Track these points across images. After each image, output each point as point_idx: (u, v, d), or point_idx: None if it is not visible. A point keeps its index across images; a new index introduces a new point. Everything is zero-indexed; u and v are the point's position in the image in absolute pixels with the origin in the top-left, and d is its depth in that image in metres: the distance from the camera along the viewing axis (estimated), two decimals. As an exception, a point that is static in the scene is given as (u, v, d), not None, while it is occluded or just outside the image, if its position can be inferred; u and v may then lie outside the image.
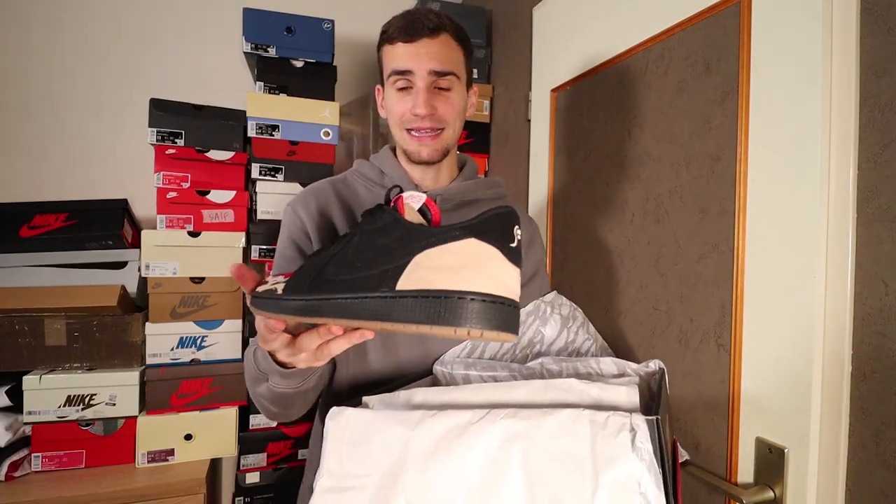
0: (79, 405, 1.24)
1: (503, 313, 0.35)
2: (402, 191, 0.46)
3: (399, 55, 0.71)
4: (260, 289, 0.48)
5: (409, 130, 0.74)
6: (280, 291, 0.45)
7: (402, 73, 0.71)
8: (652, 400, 0.58)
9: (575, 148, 1.16)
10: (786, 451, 0.66)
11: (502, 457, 0.49)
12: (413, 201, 0.44)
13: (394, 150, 0.82)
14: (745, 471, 0.72)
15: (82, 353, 1.26)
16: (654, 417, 0.49)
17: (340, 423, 0.53)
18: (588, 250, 1.10)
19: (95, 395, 1.24)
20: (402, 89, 0.73)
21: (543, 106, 1.27)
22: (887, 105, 0.60)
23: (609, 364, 0.63)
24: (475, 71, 1.61)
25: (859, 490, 0.61)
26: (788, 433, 0.66)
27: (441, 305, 0.35)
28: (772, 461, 0.68)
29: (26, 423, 1.22)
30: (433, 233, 0.38)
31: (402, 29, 0.71)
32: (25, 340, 1.23)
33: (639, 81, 0.96)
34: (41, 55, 1.52)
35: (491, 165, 1.62)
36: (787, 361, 0.67)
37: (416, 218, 0.43)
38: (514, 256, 0.37)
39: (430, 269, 0.37)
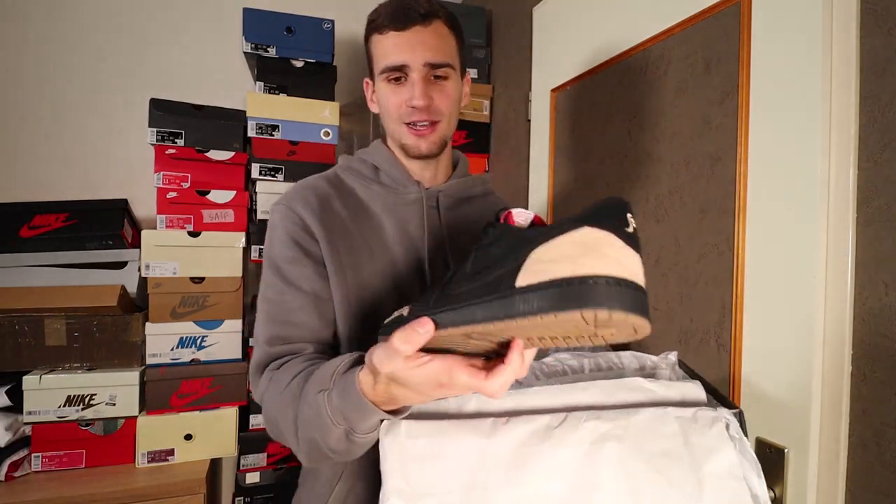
0: (79, 405, 1.24)
1: (630, 294, 0.34)
2: (506, 208, 0.46)
3: (390, 46, 0.67)
4: (389, 318, 0.48)
5: (407, 125, 0.70)
6: (406, 314, 0.45)
7: (397, 68, 0.67)
8: None
9: (575, 148, 1.16)
10: (786, 451, 0.66)
11: (592, 461, 0.47)
12: (520, 218, 0.43)
13: (385, 143, 0.78)
14: (745, 471, 0.72)
15: (82, 353, 1.26)
16: (738, 410, 0.51)
17: (398, 437, 0.48)
18: (588, 250, 1.10)
19: (95, 395, 1.24)
20: (395, 80, 0.69)
21: (543, 106, 1.27)
22: (887, 105, 0.60)
23: (629, 357, 0.62)
24: (475, 71, 1.61)
25: (859, 490, 0.61)
26: (788, 433, 0.66)
27: (564, 292, 0.33)
28: (772, 461, 0.68)
29: (26, 423, 1.22)
30: (544, 230, 0.38)
31: (392, 16, 0.66)
32: (25, 340, 1.23)
33: (639, 81, 0.96)
34: (41, 55, 1.52)
35: (491, 165, 1.62)
36: (788, 362, 0.67)
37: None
38: (631, 241, 0.36)
39: (547, 262, 0.36)
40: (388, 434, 0.49)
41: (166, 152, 1.35)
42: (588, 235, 0.35)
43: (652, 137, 0.93)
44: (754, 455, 0.49)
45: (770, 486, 0.68)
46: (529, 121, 1.36)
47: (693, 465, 0.48)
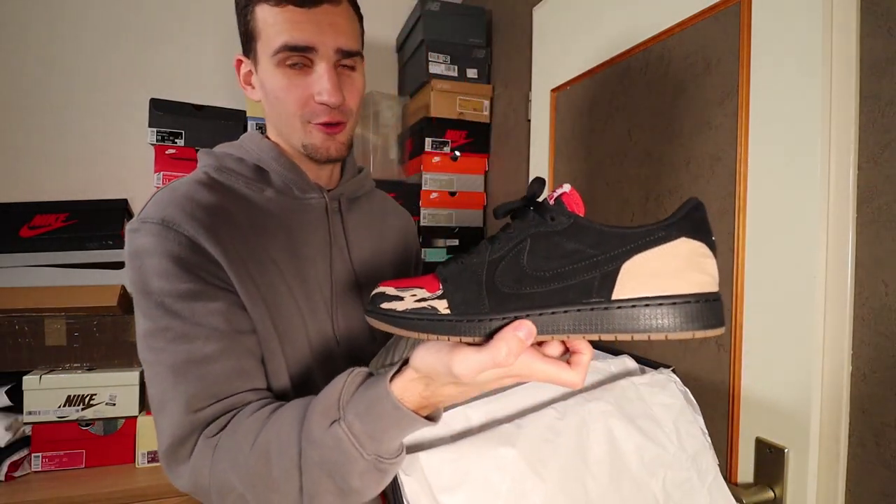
0: (79, 405, 1.23)
1: (720, 309, 0.36)
2: (544, 182, 0.41)
3: (292, 23, 0.54)
4: (399, 306, 0.40)
5: (316, 124, 0.59)
6: (444, 310, 0.39)
7: (301, 49, 0.55)
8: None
9: (575, 148, 1.16)
10: (786, 451, 0.66)
11: (600, 438, 0.52)
12: (572, 198, 0.40)
13: (266, 137, 0.66)
14: (745, 471, 0.72)
15: (82, 353, 1.26)
16: (672, 367, 0.60)
17: (420, 473, 0.46)
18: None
19: (95, 395, 1.24)
20: (293, 66, 0.57)
21: (543, 106, 1.27)
22: (887, 105, 0.60)
23: None
24: (475, 71, 1.61)
25: (859, 490, 0.61)
26: (788, 433, 0.66)
27: (669, 311, 0.35)
28: (772, 461, 0.68)
29: (26, 423, 1.22)
30: (636, 236, 0.37)
31: None
32: (25, 340, 1.23)
33: (639, 81, 0.96)
34: (41, 55, 1.52)
35: (491, 165, 1.62)
36: (787, 361, 0.67)
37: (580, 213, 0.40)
38: (714, 249, 0.38)
39: (648, 276, 0.36)
40: (408, 473, 0.46)
41: (166, 152, 1.35)
42: (686, 248, 0.36)
43: (652, 137, 0.93)
44: (693, 400, 0.59)
45: (770, 486, 0.68)
46: (529, 121, 1.36)
47: (664, 420, 0.56)
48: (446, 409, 0.50)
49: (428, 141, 1.52)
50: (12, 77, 1.49)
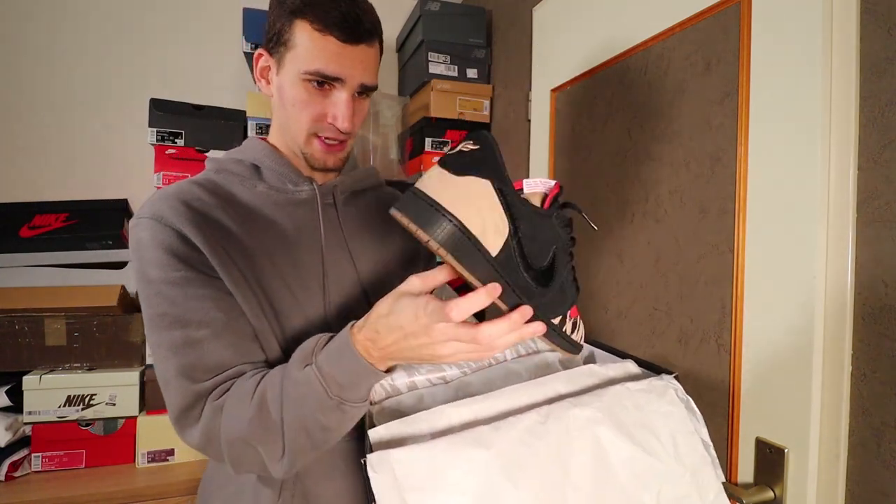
0: (79, 405, 1.24)
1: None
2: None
3: (330, 54, 0.60)
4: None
5: (319, 136, 0.65)
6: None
7: (332, 79, 0.61)
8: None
9: (575, 148, 1.16)
10: (786, 451, 0.66)
11: (584, 445, 0.51)
12: (539, 188, 0.52)
13: (265, 140, 0.71)
14: (745, 471, 0.72)
15: (82, 353, 1.26)
16: (676, 374, 0.59)
17: (391, 472, 0.45)
18: (588, 250, 1.10)
19: (95, 395, 1.24)
20: (317, 84, 0.62)
21: (543, 106, 1.27)
22: (887, 105, 0.60)
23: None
24: (475, 71, 1.61)
25: (859, 490, 0.61)
26: (788, 433, 0.66)
27: None
28: (772, 461, 0.68)
29: (26, 423, 1.22)
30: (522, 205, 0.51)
31: (341, 23, 0.59)
32: (25, 340, 1.23)
33: (639, 81, 0.96)
34: (41, 55, 1.52)
35: (491, 165, 1.62)
36: (787, 362, 0.67)
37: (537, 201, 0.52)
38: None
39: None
40: (378, 471, 0.45)
41: (166, 152, 1.35)
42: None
43: (652, 137, 0.93)
44: (697, 409, 0.57)
45: (770, 486, 0.68)
46: (529, 121, 1.35)
47: (661, 430, 0.54)
48: (430, 408, 0.52)
49: (428, 141, 1.53)
50: (12, 77, 1.49)
